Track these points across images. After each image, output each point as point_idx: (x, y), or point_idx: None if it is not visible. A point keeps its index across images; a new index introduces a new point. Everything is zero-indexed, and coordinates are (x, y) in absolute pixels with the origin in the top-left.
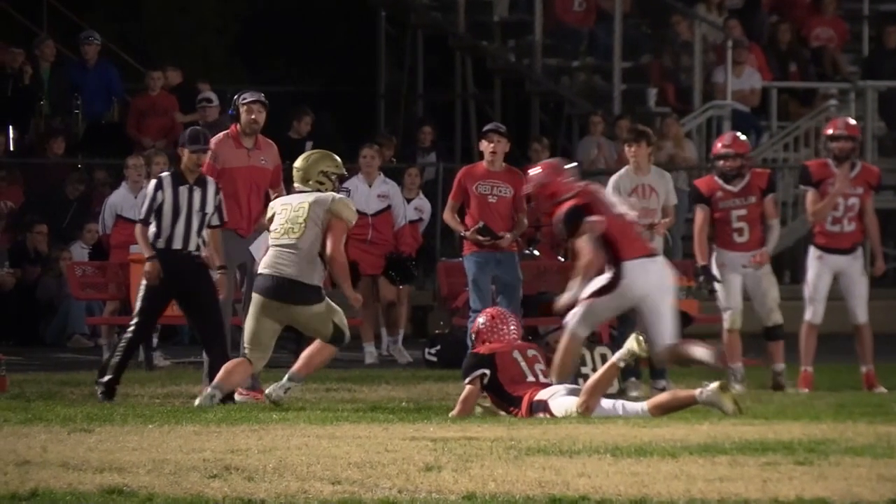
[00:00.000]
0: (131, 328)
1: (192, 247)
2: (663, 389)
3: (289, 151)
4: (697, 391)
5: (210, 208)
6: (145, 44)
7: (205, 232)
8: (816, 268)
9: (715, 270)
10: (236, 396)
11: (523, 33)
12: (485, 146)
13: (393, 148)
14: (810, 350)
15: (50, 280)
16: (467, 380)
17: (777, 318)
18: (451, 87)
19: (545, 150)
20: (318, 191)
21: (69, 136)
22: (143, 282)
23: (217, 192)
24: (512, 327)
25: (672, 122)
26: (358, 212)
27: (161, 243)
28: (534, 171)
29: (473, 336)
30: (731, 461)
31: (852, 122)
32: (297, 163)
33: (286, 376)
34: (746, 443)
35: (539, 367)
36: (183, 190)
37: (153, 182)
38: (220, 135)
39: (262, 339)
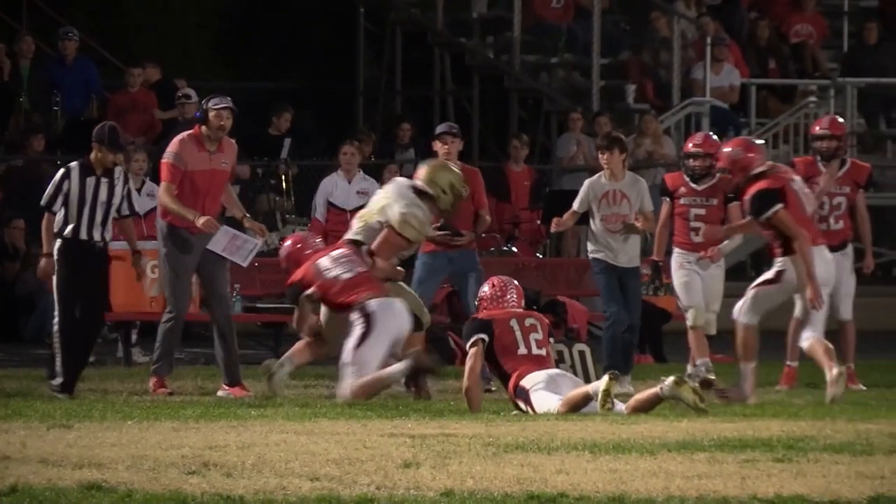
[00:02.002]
0: (55, 323)
1: (97, 237)
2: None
3: (268, 147)
4: (658, 387)
5: (117, 200)
6: (126, 40)
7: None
8: None
9: (673, 272)
10: (219, 392)
11: (502, 30)
12: (439, 147)
13: (371, 144)
14: (796, 345)
15: (29, 276)
16: (469, 343)
17: (711, 329)
18: (430, 83)
19: (524, 146)
20: (432, 198)
21: (49, 132)
22: (56, 272)
23: (125, 183)
24: (514, 295)
25: (651, 118)
26: (337, 208)
27: (69, 233)
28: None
29: (477, 304)
30: (710, 458)
31: (839, 120)
32: (433, 166)
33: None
34: (725, 440)
35: (534, 336)
36: (90, 181)
37: (61, 171)
38: (185, 136)
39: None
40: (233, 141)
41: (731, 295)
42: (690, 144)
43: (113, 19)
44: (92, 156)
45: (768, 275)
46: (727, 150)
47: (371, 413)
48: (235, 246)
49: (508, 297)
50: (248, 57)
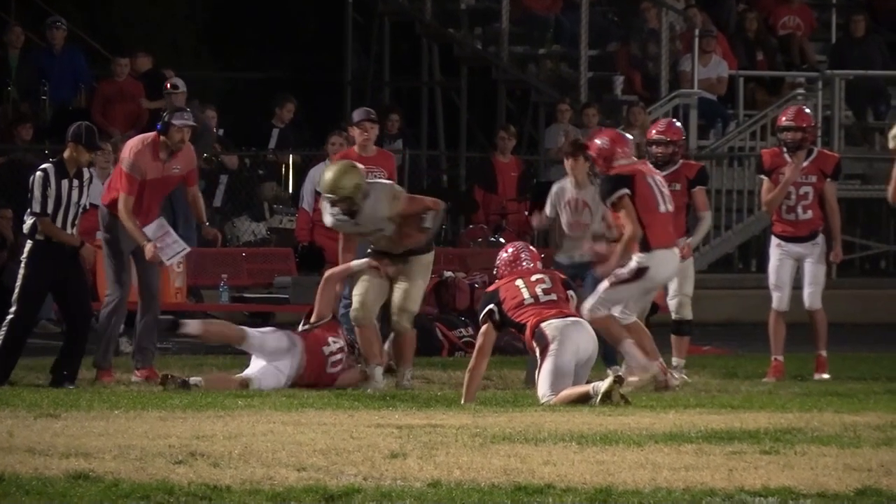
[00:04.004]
0: (10, 317)
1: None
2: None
3: (262, 139)
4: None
5: (85, 199)
6: (114, 31)
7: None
8: (776, 255)
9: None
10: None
11: (490, 21)
12: (357, 133)
13: None
14: (779, 338)
15: (17, 266)
16: (481, 318)
17: (686, 313)
18: (418, 74)
19: (511, 137)
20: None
21: (37, 122)
22: (22, 272)
23: (90, 181)
24: (528, 258)
25: (639, 110)
26: None
27: (41, 235)
28: None
29: (495, 270)
30: (697, 450)
31: (806, 111)
32: (339, 171)
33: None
34: (712, 431)
35: (542, 286)
36: (65, 183)
37: (40, 175)
38: (143, 143)
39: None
40: (190, 145)
41: (721, 287)
42: (654, 131)
43: (101, 10)
44: (66, 154)
45: (624, 272)
46: (597, 140)
47: (358, 404)
48: (165, 243)
49: (523, 259)
50: (236, 47)
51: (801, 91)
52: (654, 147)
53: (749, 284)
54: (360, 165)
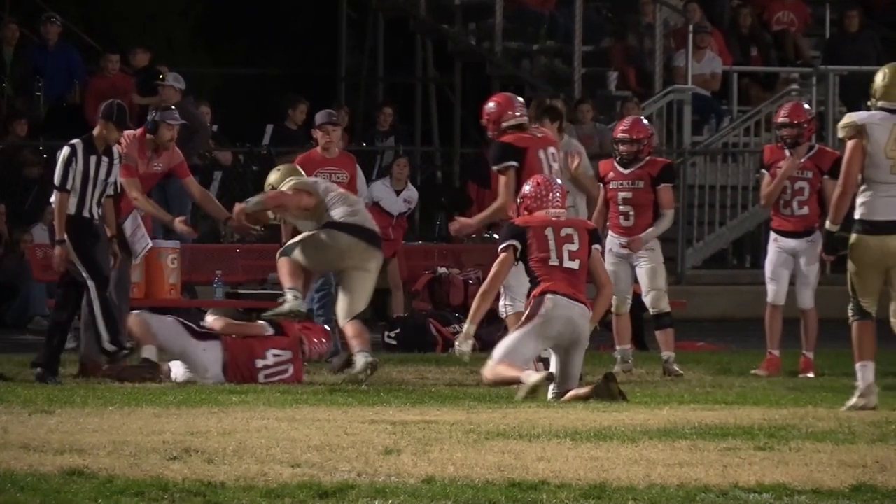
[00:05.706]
0: (92, 290)
1: (95, 215)
2: None
3: (256, 135)
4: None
5: (112, 178)
6: (109, 27)
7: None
8: (773, 250)
9: (605, 256)
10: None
11: (484, 16)
12: (320, 136)
13: (346, 116)
14: (775, 332)
15: (11, 262)
16: (500, 248)
17: (663, 305)
18: (412, 70)
19: None
20: None
21: (32, 117)
22: (74, 251)
23: (120, 160)
24: (557, 195)
25: (633, 105)
26: None
27: (72, 209)
28: None
29: (519, 202)
30: (692, 446)
31: (805, 106)
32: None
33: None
34: (707, 428)
35: (568, 247)
36: (93, 159)
37: (67, 149)
38: (130, 138)
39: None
40: (175, 147)
41: (715, 283)
42: (619, 129)
43: (96, 5)
44: (96, 131)
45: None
46: (488, 104)
47: (352, 400)
48: (136, 236)
49: (552, 196)
50: (230, 43)
51: (795, 87)
52: (619, 145)
53: (743, 280)
54: (298, 168)
